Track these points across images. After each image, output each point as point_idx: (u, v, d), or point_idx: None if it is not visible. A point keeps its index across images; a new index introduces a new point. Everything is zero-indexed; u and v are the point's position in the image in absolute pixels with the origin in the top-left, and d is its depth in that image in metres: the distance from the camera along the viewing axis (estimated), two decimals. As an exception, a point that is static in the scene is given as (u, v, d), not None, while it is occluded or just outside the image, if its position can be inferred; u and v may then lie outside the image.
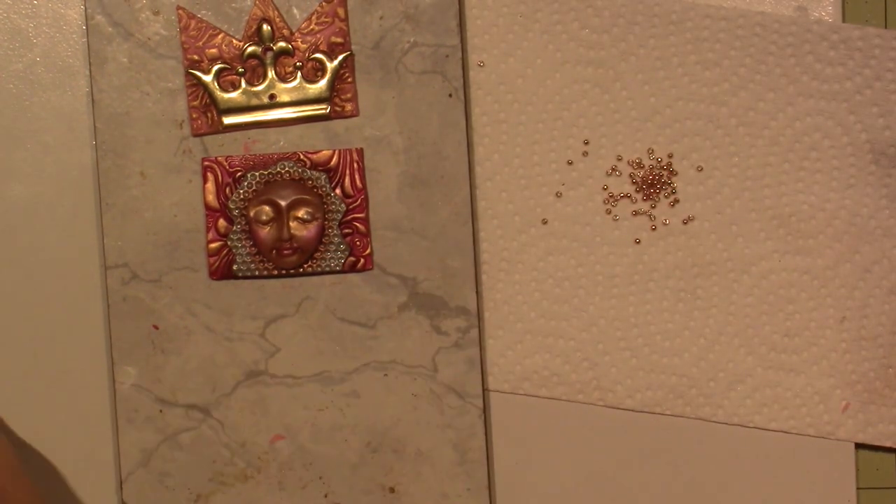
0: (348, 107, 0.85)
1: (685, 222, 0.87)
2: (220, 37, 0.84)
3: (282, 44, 0.84)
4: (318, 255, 0.85)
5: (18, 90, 0.86)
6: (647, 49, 0.86)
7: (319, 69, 0.84)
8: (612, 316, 0.87)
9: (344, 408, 0.86)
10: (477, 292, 0.86)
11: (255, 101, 0.84)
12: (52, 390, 0.86)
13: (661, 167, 0.87)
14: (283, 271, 0.85)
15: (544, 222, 0.87)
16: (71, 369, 0.86)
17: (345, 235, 0.85)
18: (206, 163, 0.85)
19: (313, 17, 0.84)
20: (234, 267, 0.85)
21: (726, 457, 0.88)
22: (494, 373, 0.87)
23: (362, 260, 0.85)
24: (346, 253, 0.85)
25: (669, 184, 0.87)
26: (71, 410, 0.86)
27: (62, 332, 0.86)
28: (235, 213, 0.84)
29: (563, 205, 0.87)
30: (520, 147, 0.87)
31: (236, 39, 0.84)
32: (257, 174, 0.84)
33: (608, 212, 0.87)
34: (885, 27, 0.86)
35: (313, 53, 0.84)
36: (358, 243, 0.85)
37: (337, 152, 0.85)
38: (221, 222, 0.85)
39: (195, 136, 0.85)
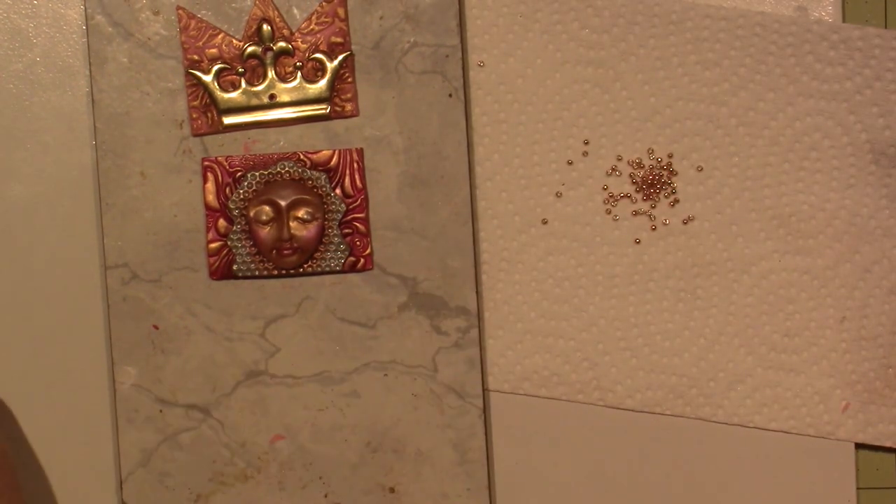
0: (348, 107, 0.85)
1: (685, 222, 0.87)
2: (220, 37, 0.84)
3: (282, 44, 0.84)
4: (318, 255, 0.85)
5: (18, 90, 0.86)
6: (647, 49, 0.86)
7: (319, 69, 0.84)
8: (612, 316, 0.87)
9: (344, 408, 0.86)
10: (477, 292, 0.86)
11: (255, 101, 0.84)
12: (52, 390, 0.86)
13: (661, 167, 0.87)
14: (283, 271, 0.85)
15: (544, 222, 0.87)
16: (71, 369, 0.86)
17: (345, 235, 0.85)
18: (206, 163, 0.85)
19: (313, 17, 0.84)
20: (234, 267, 0.85)
21: (726, 457, 0.87)
22: (494, 373, 0.87)
23: (362, 260, 0.85)
24: (346, 253, 0.85)
25: (669, 184, 0.87)
26: (71, 410, 0.86)
27: (62, 332, 0.86)
28: (235, 213, 0.84)
29: (563, 205, 0.87)
30: (520, 147, 0.87)
31: (236, 39, 0.84)
32: (257, 174, 0.84)
33: (608, 212, 0.87)
34: (885, 27, 0.86)
35: (313, 53, 0.84)
36: (358, 243, 0.85)
37: (337, 152, 0.85)
38: (221, 222, 0.85)
39: (195, 136, 0.85)
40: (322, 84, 0.84)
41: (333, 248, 0.85)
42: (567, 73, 0.86)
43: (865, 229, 0.86)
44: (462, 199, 0.85)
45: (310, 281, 0.85)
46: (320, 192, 0.84)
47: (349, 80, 0.85)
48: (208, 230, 0.85)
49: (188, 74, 0.84)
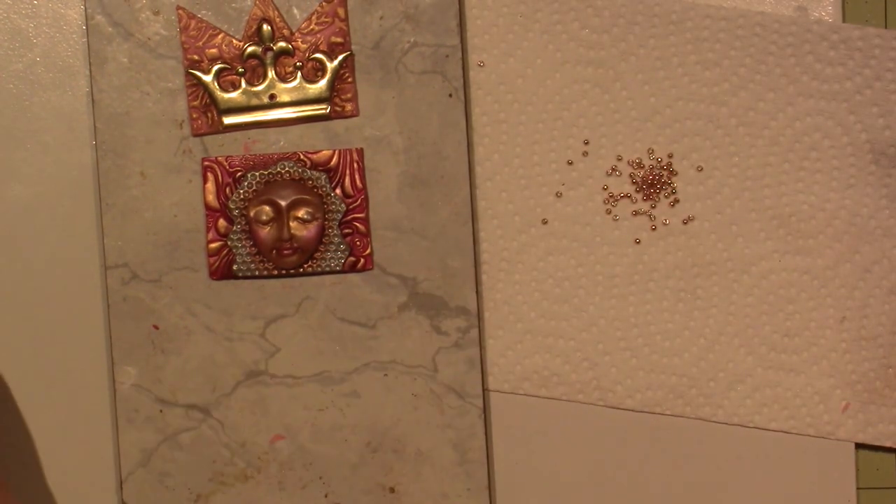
0: (348, 107, 0.85)
1: (685, 222, 0.87)
2: (220, 37, 0.84)
3: (282, 44, 0.84)
4: (318, 255, 0.85)
5: (18, 90, 0.86)
6: (647, 49, 0.86)
7: (319, 69, 0.84)
8: (612, 316, 0.87)
9: (344, 408, 0.86)
10: (477, 292, 0.86)
11: (255, 101, 0.84)
12: (52, 390, 0.86)
13: (661, 167, 0.87)
14: (283, 271, 0.85)
15: (544, 222, 0.87)
16: (71, 369, 0.86)
17: (345, 235, 0.85)
18: (206, 163, 0.85)
19: (313, 17, 0.84)
20: (234, 267, 0.85)
21: (726, 457, 0.87)
22: (494, 373, 0.87)
23: (362, 260, 0.85)
24: (346, 253, 0.85)
25: (669, 184, 0.87)
26: (71, 410, 0.86)
27: (62, 332, 0.86)
28: (235, 213, 0.84)
29: (563, 205, 0.87)
30: (520, 147, 0.87)
31: (236, 39, 0.84)
32: (257, 174, 0.84)
33: (608, 212, 0.87)
34: (885, 27, 0.86)
35: (313, 53, 0.84)
36: (358, 243, 0.85)
37: (337, 152, 0.85)
38: (221, 222, 0.85)
39: (195, 136, 0.85)
40: (322, 84, 0.84)
41: (333, 248, 0.85)
42: (567, 73, 0.86)
43: (865, 229, 0.86)
44: (462, 199, 0.85)
45: (310, 281, 0.85)
46: (320, 192, 0.84)
47: (349, 80, 0.85)
48: (208, 230, 0.85)
49: (188, 74, 0.84)
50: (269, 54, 0.84)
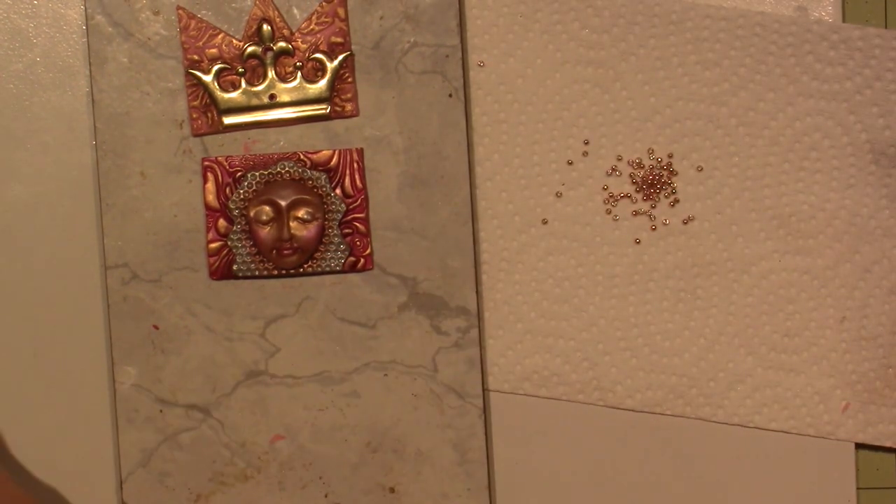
0: (348, 107, 0.85)
1: (685, 222, 0.87)
2: (220, 37, 0.84)
3: (282, 44, 0.84)
4: (318, 255, 0.85)
5: (18, 90, 0.86)
6: (647, 49, 0.86)
7: (319, 69, 0.84)
8: (612, 316, 0.87)
9: (344, 408, 0.86)
10: (477, 292, 0.86)
11: (255, 101, 0.84)
12: (52, 390, 0.86)
13: (661, 167, 0.87)
14: (283, 271, 0.85)
15: (544, 222, 0.87)
16: (71, 369, 0.86)
17: (345, 235, 0.85)
18: (206, 163, 0.85)
19: (313, 17, 0.84)
20: (234, 267, 0.85)
21: (726, 457, 0.87)
22: (494, 373, 0.87)
23: (362, 260, 0.85)
24: (346, 253, 0.85)
25: (669, 184, 0.87)
26: (71, 410, 0.86)
27: (62, 332, 0.86)
28: (235, 213, 0.84)
29: (563, 205, 0.87)
30: (520, 147, 0.87)
31: (236, 39, 0.84)
32: (257, 174, 0.84)
33: (608, 212, 0.87)
34: (885, 27, 0.86)
35: (313, 53, 0.84)
36: (358, 243, 0.85)
37: (337, 152, 0.85)
38: (221, 222, 0.85)
39: (195, 136, 0.85)
40: (322, 84, 0.84)
41: (333, 248, 0.85)
42: (567, 73, 0.86)
43: (865, 229, 0.86)
44: (462, 199, 0.85)
45: (310, 281, 0.85)
46: (320, 192, 0.84)
47: (349, 80, 0.85)
48: (208, 230, 0.85)
49: (188, 74, 0.84)
50: (269, 54, 0.84)
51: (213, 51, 0.84)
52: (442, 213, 0.85)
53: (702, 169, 0.87)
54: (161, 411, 0.86)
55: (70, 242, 0.86)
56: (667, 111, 0.86)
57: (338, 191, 0.85)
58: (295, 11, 0.84)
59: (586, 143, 0.87)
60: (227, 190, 0.85)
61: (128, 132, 0.85)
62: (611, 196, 0.87)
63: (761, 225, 0.87)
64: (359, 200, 0.85)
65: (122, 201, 0.85)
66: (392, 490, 0.87)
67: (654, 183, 0.87)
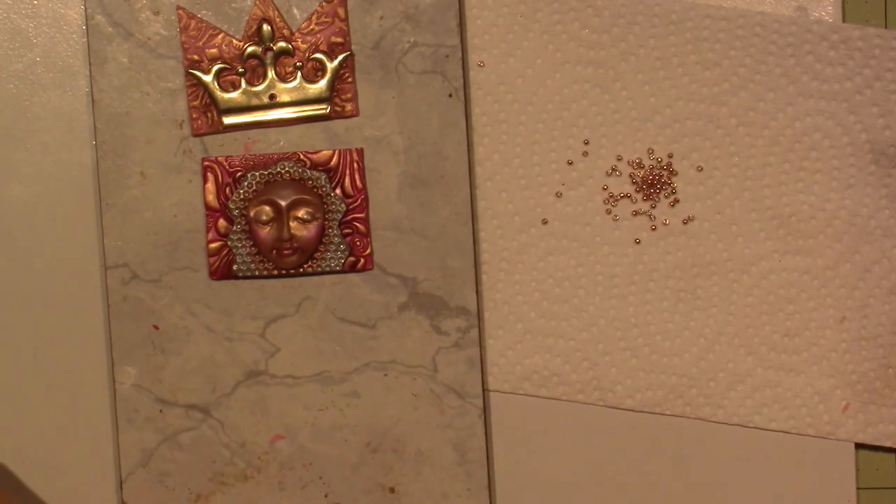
0: (348, 107, 0.85)
1: (685, 222, 0.87)
2: (220, 37, 0.84)
3: (282, 44, 0.84)
4: (318, 255, 0.85)
5: (18, 90, 0.86)
6: (647, 49, 0.86)
7: (319, 69, 0.84)
8: (612, 316, 0.87)
9: (344, 408, 0.86)
10: (477, 292, 0.86)
11: (255, 101, 0.84)
12: (52, 390, 0.86)
13: (661, 167, 0.87)
14: (283, 271, 0.85)
15: (544, 222, 0.87)
16: (71, 369, 0.86)
17: (345, 235, 0.85)
18: (206, 163, 0.85)
19: (313, 17, 0.84)
20: (234, 267, 0.85)
21: (726, 457, 0.87)
22: (494, 373, 0.87)
23: (362, 260, 0.85)
24: (346, 253, 0.85)
25: (669, 184, 0.87)
26: (71, 410, 0.86)
27: (62, 332, 0.86)
28: (235, 213, 0.84)
29: (563, 205, 0.87)
30: (520, 147, 0.87)
31: (236, 39, 0.84)
32: (257, 174, 0.84)
33: (608, 212, 0.87)
34: (885, 27, 0.86)
35: (313, 53, 0.84)
36: (358, 243, 0.85)
37: (337, 152, 0.85)
38: (221, 222, 0.85)
39: (195, 136, 0.85)
40: (322, 84, 0.84)
41: (333, 248, 0.85)
42: (567, 73, 0.86)
43: (865, 229, 0.86)
44: (462, 199, 0.85)
45: (310, 281, 0.85)
46: (320, 192, 0.84)
47: (349, 80, 0.85)
48: (208, 230, 0.85)
49: (188, 74, 0.84)
50: (269, 54, 0.84)
51: (213, 51, 0.84)
52: (442, 213, 0.85)
53: (702, 169, 0.87)
54: (161, 411, 0.86)
55: (70, 242, 0.86)
56: (667, 111, 0.86)
57: (338, 191, 0.85)
58: (295, 11, 0.84)
59: (586, 143, 0.87)
60: (227, 190, 0.85)
61: (128, 132, 0.85)
62: (611, 196, 0.87)
63: (761, 225, 0.87)
64: (359, 200, 0.85)
65: (122, 201, 0.85)
66: (392, 490, 0.87)
67: (654, 183, 0.87)
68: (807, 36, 0.85)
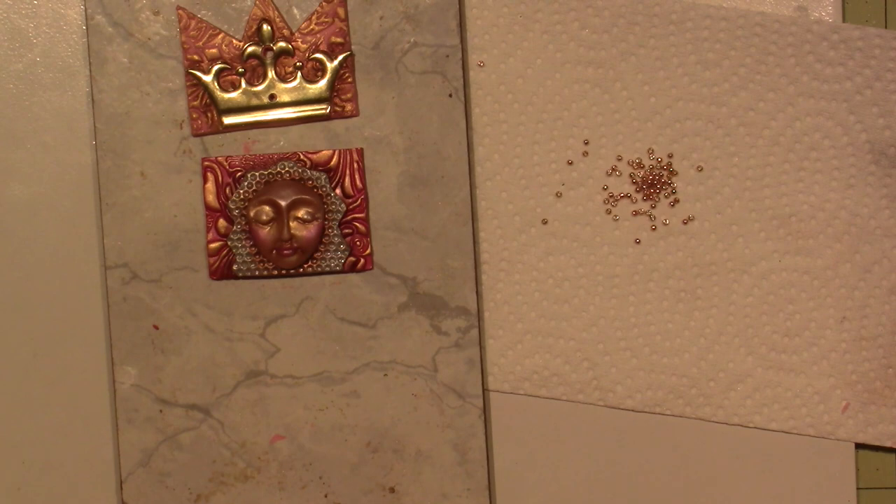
0: (348, 107, 0.85)
1: (685, 222, 0.87)
2: (220, 37, 0.84)
3: (282, 44, 0.84)
4: (318, 255, 0.85)
5: (18, 90, 0.86)
6: (647, 49, 0.86)
7: (319, 69, 0.84)
8: (612, 316, 0.87)
9: (344, 408, 0.86)
10: (477, 292, 0.86)
11: (255, 101, 0.84)
12: (52, 390, 0.86)
13: (661, 167, 0.87)
14: (283, 271, 0.85)
15: (544, 222, 0.87)
16: (71, 369, 0.86)
17: (345, 235, 0.85)
18: (206, 163, 0.85)
19: (313, 17, 0.84)
20: (234, 267, 0.85)
21: (726, 457, 0.87)
22: (494, 373, 0.87)
23: (362, 260, 0.85)
24: (346, 253, 0.85)
25: (669, 184, 0.87)
26: (71, 410, 0.86)
27: (62, 332, 0.86)
28: (235, 213, 0.84)
29: (563, 205, 0.87)
30: (520, 147, 0.87)
31: (236, 39, 0.84)
32: (257, 174, 0.84)
33: (608, 212, 0.87)
34: (885, 27, 0.86)
35: (313, 53, 0.84)
36: (358, 243, 0.85)
37: (337, 152, 0.85)
38: (221, 222, 0.85)
39: (195, 136, 0.85)
40: (322, 84, 0.84)
41: (333, 248, 0.85)
42: (567, 73, 0.86)
43: (865, 229, 0.86)
44: (462, 199, 0.85)
45: (310, 281, 0.85)
46: (320, 192, 0.84)
47: (349, 80, 0.85)
48: (208, 230, 0.85)
49: (188, 74, 0.84)
50: (269, 54, 0.84)
51: (213, 51, 0.84)
52: (442, 213, 0.85)
53: (702, 169, 0.87)
54: (161, 411, 0.86)
55: (70, 242, 0.86)
56: (667, 111, 0.86)
57: (338, 191, 0.85)
58: (295, 11, 0.84)
59: (586, 143, 0.87)
60: (227, 190, 0.85)
61: (128, 132, 0.85)
62: (611, 196, 0.87)
63: (761, 225, 0.87)
64: (359, 200, 0.85)
65: (122, 201, 0.85)
66: (392, 490, 0.87)
67: (654, 183, 0.87)
68: (807, 36, 0.85)
